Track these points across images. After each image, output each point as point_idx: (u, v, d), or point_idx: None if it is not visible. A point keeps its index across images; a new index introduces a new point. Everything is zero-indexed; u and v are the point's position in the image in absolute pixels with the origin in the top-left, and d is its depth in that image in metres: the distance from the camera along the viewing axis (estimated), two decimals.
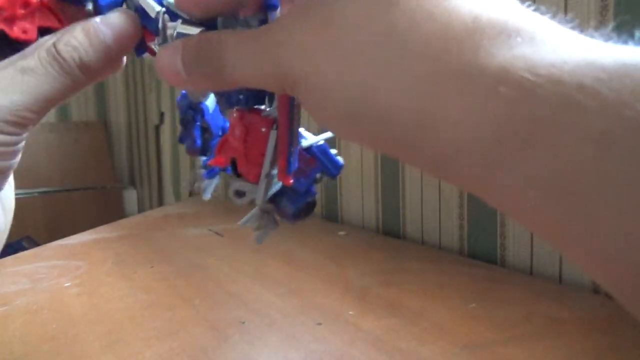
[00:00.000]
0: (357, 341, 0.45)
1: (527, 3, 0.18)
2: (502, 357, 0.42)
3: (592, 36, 0.16)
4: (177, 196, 1.75)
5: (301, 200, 0.28)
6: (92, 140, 2.28)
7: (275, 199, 0.28)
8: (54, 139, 2.27)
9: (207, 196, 0.32)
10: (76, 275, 0.66)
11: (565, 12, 0.61)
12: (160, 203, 1.94)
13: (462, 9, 0.17)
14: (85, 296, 0.58)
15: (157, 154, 1.94)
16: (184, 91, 0.30)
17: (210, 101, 0.31)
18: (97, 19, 0.25)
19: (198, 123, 0.30)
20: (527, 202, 0.15)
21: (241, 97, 0.25)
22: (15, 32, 0.25)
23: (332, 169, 0.30)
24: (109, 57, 0.25)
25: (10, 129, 0.24)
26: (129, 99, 2.41)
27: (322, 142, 0.30)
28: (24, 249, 0.99)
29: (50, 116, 2.30)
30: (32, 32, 0.25)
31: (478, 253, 0.75)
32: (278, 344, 0.45)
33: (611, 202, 0.13)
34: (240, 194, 0.25)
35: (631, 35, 0.16)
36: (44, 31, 0.26)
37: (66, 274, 0.66)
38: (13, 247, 1.67)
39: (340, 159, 0.30)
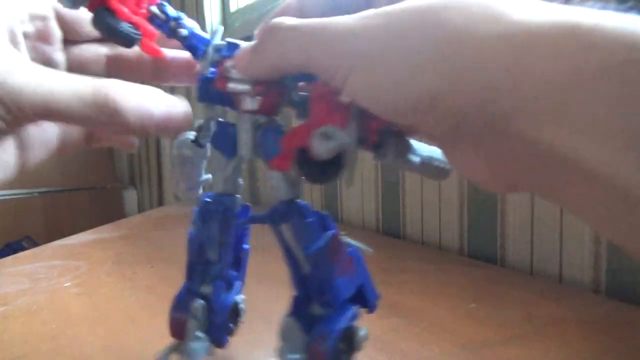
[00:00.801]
0: None
1: None
2: (502, 357, 0.42)
3: None
4: (177, 196, 1.75)
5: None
6: None
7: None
8: None
9: None
10: (76, 275, 0.66)
11: None
12: (160, 203, 1.94)
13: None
14: (85, 296, 0.58)
15: (157, 154, 1.94)
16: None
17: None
18: (160, 93, 0.25)
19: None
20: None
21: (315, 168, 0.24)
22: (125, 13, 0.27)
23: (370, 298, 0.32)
24: (142, 131, 0.25)
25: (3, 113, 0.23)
26: None
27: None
28: (24, 249, 0.99)
29: None
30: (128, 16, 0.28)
31: (478, 253, 0.75)
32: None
33: None
34: (327, 136, 0.23)
35: None
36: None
37: (66, 274, 0.66)
38: (13, 247, 1.67)
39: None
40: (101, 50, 0.32)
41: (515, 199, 0.69)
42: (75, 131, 0.30)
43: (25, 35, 0.28)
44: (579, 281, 0.61)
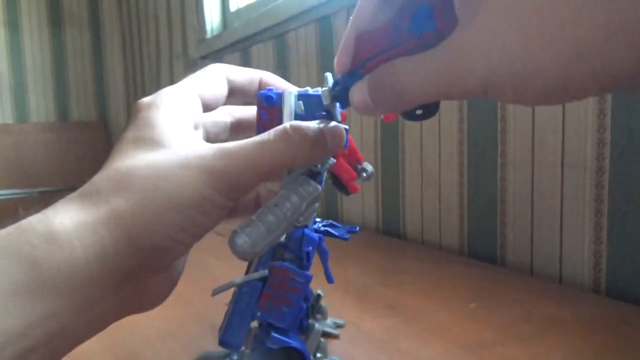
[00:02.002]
0: (357, 341, 0.45)
1: None
2: (502, 357, 0.42)
3: None
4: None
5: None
6: (92, 140, 2.28)
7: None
8: (54, 138, 2.27)
9: None
10: None
11: None
12: None
13: None
14: None
15: None
16: None
17: None
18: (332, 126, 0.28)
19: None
20: None
21: (419, 112, 0.26)
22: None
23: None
24: (324, 155, 0.28)
25: (227, 192, 0.26)
26: (129, 99, 2.41)
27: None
28: None
29: (51, 116, 2.30)
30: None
31: (478, 253, 0.75)
32: None
33: None
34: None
35: None
36: None
37: None
38: None
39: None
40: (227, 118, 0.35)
41: (516, 199, 0.69)
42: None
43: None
44: (578, 281, 0.61)
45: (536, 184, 0.66)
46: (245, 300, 0.31)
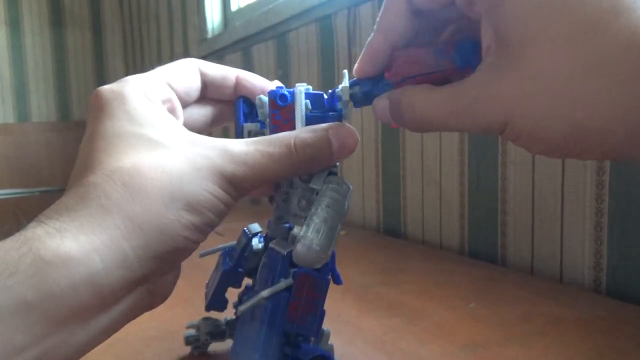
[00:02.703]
0: (357, 341, 0.45)
1: None
2: (502, 356, 0.42)
3: None
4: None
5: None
6: None
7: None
8: (56, 138, 2.27)
9: None
10: None
11: None
12: None
13: None
14: None
15: None
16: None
17: None
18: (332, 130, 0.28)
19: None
20: None
21: None
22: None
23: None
24: (330, 163, 0.29)
25: (234, 194, 0.26)
26: None
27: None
28: None
29: (52, 115, 2.30)
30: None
31: (479, 252, 0.75)
32: None
33: None
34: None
35: None
36: None
37: None
38: None
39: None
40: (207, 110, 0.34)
41: (516, 198, 0.69)
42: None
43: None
44: (579, 281, 0.61)
45: (537, 183, 0.66)
46: (277, 314, 0.30)
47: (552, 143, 0.22)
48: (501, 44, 0.23)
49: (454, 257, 0.75)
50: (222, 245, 0.39)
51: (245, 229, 0.37)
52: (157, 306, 0.27)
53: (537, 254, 0.67)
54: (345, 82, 0.30)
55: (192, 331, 0.43)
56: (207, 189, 0.25)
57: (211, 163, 0.25)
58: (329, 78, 1.02)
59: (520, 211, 0.68)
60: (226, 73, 0.33)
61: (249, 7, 1.45)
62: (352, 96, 0.29)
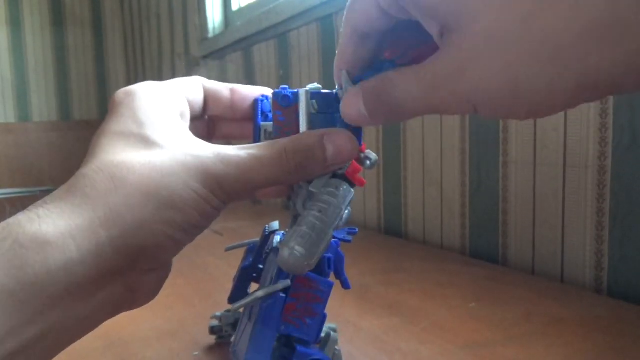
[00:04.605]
0: (357, 341, 0.45)
1: None
2: (502, 356, 0.41)
3: None
4: None
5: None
6: None
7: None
8: (56, 137, 2.27)
9: None
10: None
11: None
12: None
13: None
14: None
15: None
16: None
17: None
18: (325, 135, 0.28)
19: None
20: None
21: None
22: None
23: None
24: (324, 169, 0.28)
25: (222, 196, 0.26)
26: None
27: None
28: None
29: (53, 115, 2.30)
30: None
31: (480, 252, 0.75)
32: None
33: None
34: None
35: None
36: None
37: None
38: None
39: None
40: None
41: (517, 198, 0.68)
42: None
43: None
44: (580, 281, 0.61)
45: (538, 183, 0.66)
46: (270, 315, 0.30)
47: (530, 101, 0.21)
48: (444, 29, 0.23)
49: (454, 256, 0.75)
50: (247, 241, 0.40)
51: (266, 226, 0.37)
52: (140, 305, 0.27)
53: (538, 254, 0.66)
54: (345, 83, 0.29)
55: (215, 322, 0.44)
56: (191, 188, 0.25)
57: (200, 163, 0.25)
58: (329, 78, 1.02)
59: (521, 211, 0.68)
60: (221, 87, 0.33)
61: (250, 7, 1.45)
62: None
